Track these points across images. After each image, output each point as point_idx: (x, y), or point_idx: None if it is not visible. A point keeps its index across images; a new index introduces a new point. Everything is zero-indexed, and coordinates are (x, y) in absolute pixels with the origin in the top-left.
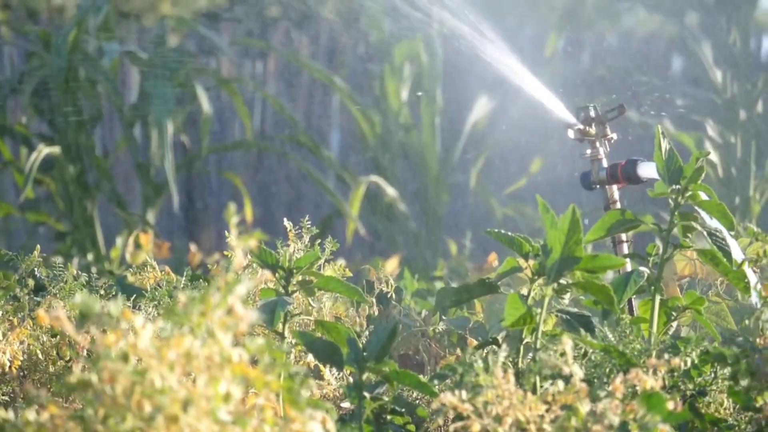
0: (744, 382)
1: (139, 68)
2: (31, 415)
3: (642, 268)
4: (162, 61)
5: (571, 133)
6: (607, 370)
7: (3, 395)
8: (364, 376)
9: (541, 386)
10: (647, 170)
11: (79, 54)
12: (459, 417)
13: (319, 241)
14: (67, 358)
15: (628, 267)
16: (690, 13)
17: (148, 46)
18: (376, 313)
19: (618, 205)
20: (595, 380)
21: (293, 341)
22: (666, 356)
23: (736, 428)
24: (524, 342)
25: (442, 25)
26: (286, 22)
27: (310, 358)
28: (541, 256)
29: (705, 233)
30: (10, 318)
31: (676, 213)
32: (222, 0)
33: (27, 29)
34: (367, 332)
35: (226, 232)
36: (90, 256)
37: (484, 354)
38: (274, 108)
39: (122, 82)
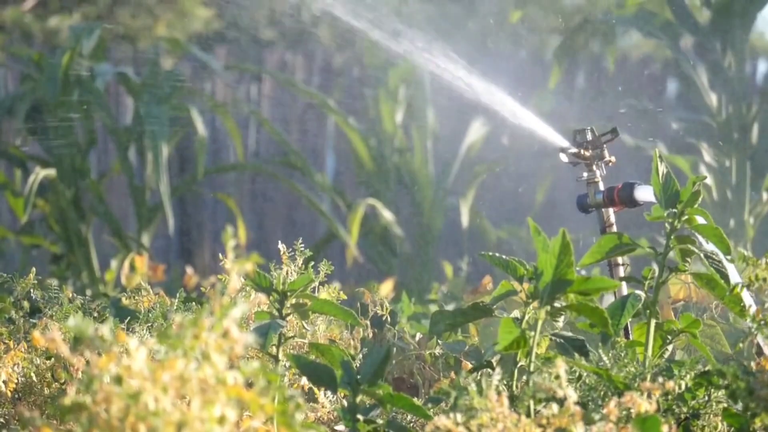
0: (742, 402)
1: (131, 91)
2: None
3: (638, 292)
4: (156, 83)
5: (564, 157)
6: (602, 393)
7: None
8: (358, 399)
9: (536, 409)
10: (644, 194)
11: (73, 76)
12: None
13: (312, 263)
14: (62, 380)
15: (624, 290)
16: (685, 37)
17: (143, 68)
18: (371, 336)
19: (614, 228)
20: (590, 403)
21: (287, 364)
22: (660, 379)
23: None
24: (518, 365)
25: (430, 56)
26: (281, 46)
27: (305, 380)
28: (534, 279)
29: (702, 257)
30: (6, 340)
31: (672, 237)
32: (217, 23)
33: (21, 52)
34: (361, 355)
35: (220, 254)
36: (85, 279)
37: (479, 377)
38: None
39: (117, 105)
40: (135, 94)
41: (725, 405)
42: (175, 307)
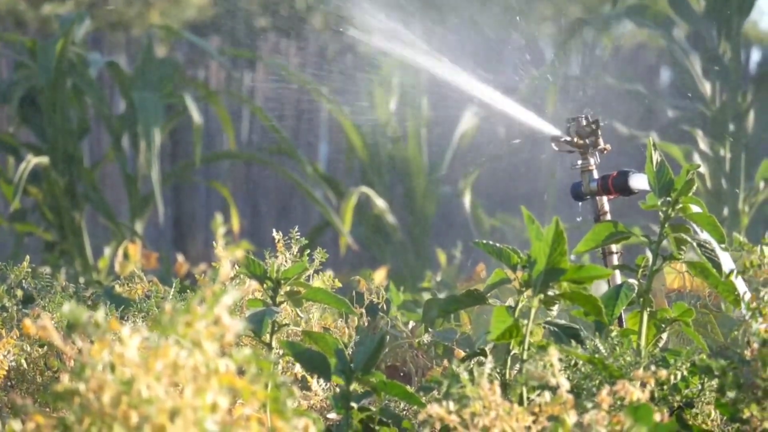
0: (731, 394)
1: (120, 81)
2: (16, 425)
3: (631, 280)
4: (150, 71)
5: (556, 146)
6: (597, 381)
7: None
8: (352, 387)
9: (528, 397)
10: (639, 182)
11: (66, 64)
12: (446, 428)
13: (308, 251)
14: (55, 368)
15: (618, 279)
16: (679, 24)
17: (137, 56)
18: (366, 324)
19: (608, 217)
20: (584, 392)
21: (281, 352)
22: (653, 368)
23: None
24: (511, 353)
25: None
26: (274, 33)
27: (298, 368)
28: (527, 267)
29: (695, 245)
30: None
31: (666, 225)
32: (211, 11)
33: (15, 39)
34: (353, 343)
35: (213, 242)
36: (78, 267)
37: (471, 365)
38: (261, 119)
39: (111, 93)
40: (124, 83)
41: (717, 394)
42: (171, 296)
